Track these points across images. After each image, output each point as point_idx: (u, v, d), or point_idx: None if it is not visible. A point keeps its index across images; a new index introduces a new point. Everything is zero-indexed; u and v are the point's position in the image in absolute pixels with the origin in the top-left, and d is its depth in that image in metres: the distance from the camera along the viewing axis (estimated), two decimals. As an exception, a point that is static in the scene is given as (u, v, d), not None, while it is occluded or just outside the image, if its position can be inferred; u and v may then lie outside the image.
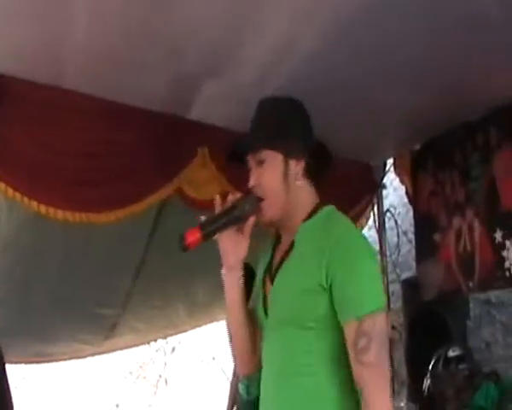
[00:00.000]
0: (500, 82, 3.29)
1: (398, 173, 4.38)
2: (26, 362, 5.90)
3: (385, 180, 4.54)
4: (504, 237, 3.54)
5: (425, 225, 4.15)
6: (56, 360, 5.83)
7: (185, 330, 5.75)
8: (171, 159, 3.47)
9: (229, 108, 3.41)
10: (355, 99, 3.41)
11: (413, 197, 4.30)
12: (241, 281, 2.06)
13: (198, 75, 3.17)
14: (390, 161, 4.44)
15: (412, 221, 4.39)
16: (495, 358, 4.51)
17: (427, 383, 3.68)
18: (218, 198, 2.04)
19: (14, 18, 2.69)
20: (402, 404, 4.52)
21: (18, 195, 3.12)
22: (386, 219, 4.56)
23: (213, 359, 8.76)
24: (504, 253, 3.54)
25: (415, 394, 4.23)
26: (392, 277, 4.62)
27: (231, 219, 1.99)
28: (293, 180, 1.99)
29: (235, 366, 2.25)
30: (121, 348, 5.98)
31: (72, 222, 3.30)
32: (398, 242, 4.53)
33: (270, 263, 2.08)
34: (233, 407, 4.21)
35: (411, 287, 4.44)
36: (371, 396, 1.79)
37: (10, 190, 3.10)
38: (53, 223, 3.29)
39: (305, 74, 3.11)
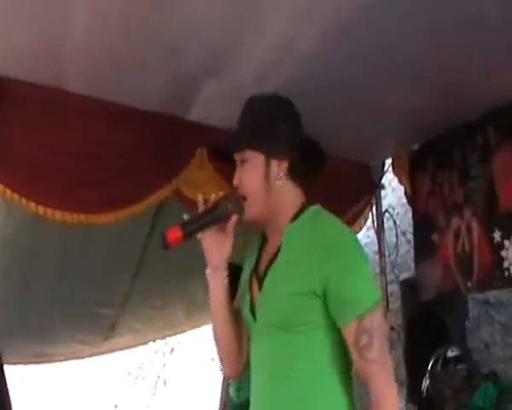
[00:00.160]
0: (499, 82, 3.29)
1: (396, 174, 4.38)
2: (25, 363, 5.89)
3: (383, 180, 4.54)
4: (503, 237, 3.54)
5: (424, 226, 4.15)
6: (55, 361, 5.82)
7: (184, 331, 5.75)
8: (171, 160, 3.47)
9: (229, 108, 3.38)
10: (354, 99, 3.40)
11: (412, 197, 4.29)
12: (226, 281, 2.05)
13: (198, 76, 3.17)
14: (388, 162, 4.44)
15: (411, 221, 4.39)
16: (494, 358, 4.51)
17: (425, 383, 3.68)
18: (200, 197, 2.03)
19: (14, 18, 2.68)
20: (401, 405, 4.52)
21: (16, 196, 3.11)
22: (385, 220, 4.56)
23: (212, 360, 8.74)
24: (503, 253, 3.53)
25: (413, 394, 4.23)
26: (390, 277, 4.62)
27: (213, 218, 1.98)
28: (275, 181, 1.98)
29: (222, 367, 2.22)
30: (120, 349, 5.97)
31: (70, 223, 3.30)
32: (396, 242, 4.52)
33: (257, 264, 2.07)
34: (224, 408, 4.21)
35: (410, 287, 4.44)
36: (381, 392, 1.81)
37: (9, 191, 3.09)
38: (51, 223, 3.28)
39: (305, 74, 3.11)
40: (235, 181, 2.03)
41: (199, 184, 3.57)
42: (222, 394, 4.22)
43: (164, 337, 6.57)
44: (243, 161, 2.00)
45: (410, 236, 4.51)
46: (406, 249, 4.73)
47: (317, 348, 1.88)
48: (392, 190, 5.18)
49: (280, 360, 1.91)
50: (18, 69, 3.03)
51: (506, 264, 3.52)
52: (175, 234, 1.93)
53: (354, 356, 1.83)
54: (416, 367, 4.06)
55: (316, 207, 2.03)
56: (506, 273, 3.52)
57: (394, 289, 4.83)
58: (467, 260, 3.78)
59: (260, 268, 2.04)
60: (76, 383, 9.93)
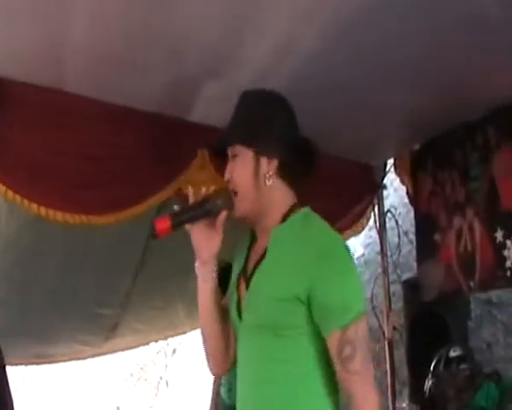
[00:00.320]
0: (500, 82, 3.28)
1: (398, 174, 4.38)
2: (26, 363, 5.90)
3: (385, 181, 4.54)
4: (505, 237, 3.53)
5: (426, 226, 4.14)
6: (56, 362, 5.83)
7: (185, 332, 5.74)
8: (171, 161, 3.47)
9: (230, 108, 3.39)
10: (355, 99, 3.40)
11: (413, 197, 4.29)
12: (215, 275, 2.04)
13: (198, 76, 3.17)
14: (390, 162, 4.44)
15: (413, 221, 4.38)
16: (496, 358, 4.51)
17: (428, 383, 3.68)
18: (190, 189, 2.03)
19: (14, 19, 2.68)
20: (404, 405, 4.52)
21: (18, 197, 3.12)
22: (387, 220, 4.56)
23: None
24: (505, 252, 3.53)
25: (416, 394, 4.23)
26: (392, 277, 4.61)
27: (203, 212, 1.98)
28: (264, 179, 1.95)
29: (208, 365, 2.20)
30: (121, 350, 5.98)
31: (71, 224, 3.30)
32: (398, 242, 4.52)
33: (246, 263, 2.05)
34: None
35: (412, 287, 4.44)
36: (362, 403, 1.79)
37: (10, 193, 3.10)
38: (53, 224, 3.29)
39: (306, 75, 3.11)
40: (226, 175, 2.01)
41: (200, 184, 3.56)
42: (213, 395, 4.20)
43: (166, 338, 6.57)
44: (234, 156, 1.99)
45: (412, 236, 4.50)
46: (408, 249, 4.73)
47: (303, 352, 1.85)
48: (394, 190, 5.18)
49: (265, 363, 1.88)
50: (18, 71, 3.03)
51: (508, 263, 3.51)
52: (164, 224, 1.92)
53: (337, 366, 1.80)
54: (419, 367, 4.06)
55: (306, 210, 2.00)
56: (508, 273, 3.51)
57: (396, 289, 4.83)
58: (469, 259, 3.77)
59: (249, 267, 2.02)
60: (78, 385, 9.94)
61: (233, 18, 2.74)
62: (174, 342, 8.58)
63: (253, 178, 1.95)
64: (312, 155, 2.04)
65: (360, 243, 5.79)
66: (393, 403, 4.35)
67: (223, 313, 2.08)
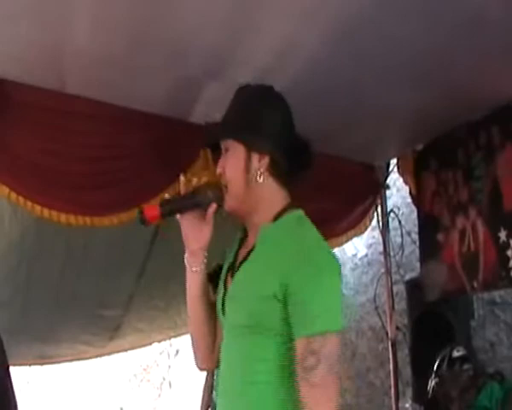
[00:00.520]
0: (503, 82, 3.28)
1: (401, 174, 4.37)
2: (30, 364, 5.92)
3: (388, 181, 4.54)
4: (508, 237, 3.52)
5: (429, 226, 4.14)
6: (60, 362, 5.85)
7: (188, 332, 5.75)
8: (174, 161, 3.47)
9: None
10: (358, 100, 3.40)
11: (417, 197, 4.29)
12: (203, 267, 2.01)
13: (200, 78, 3.17)
14: (393, 162, 4.44)
15: (416, 221, 4.38)
16: (499, 358, 4.50)
17: (431, 383, 3.68)
18: (182, 179, 2.01)
19: (17, 22, 2.69)
20: (407, 405, 4.51)
21: (21, 199, 3.13)
22: (390, 220, 4.56)
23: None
24: (509, 252, 3.52)
25: (419, 394, 4.22)
26: (395, 277, 4.61)
27: (192, 203, 1.96)
28: (255, 175, 1.91)
29: (195, 358, 2.17)
30: (124, 350, 5.99)
31: (75, 226, 3.31)
32: (401, 242, 4.51)
33: (235, 259, 2.02)
34: (207, 408, 4.19)
35: (415, 287, 4.43)
36: None
37: (14, 195, 3.11)
38: (56, 225, 3.29)
39: (308, 76, 3.11)
40: (219, 169, 1.98)
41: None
42: (204, 395, 4.18)
43: (169, 338, 6.58)
44: (226, 150, 1.96)
45: (415, 236, 4.50)
46: (411, 249, 4.72)
47: (285, 352, 1.78)
48: (397, 191, 5.18)
49: (247, 362, 1.85)
50: (22, 73, 3.04)
51: (511, 263, 3.51)
52: (152, 212, 1.91)
53: (298, 373, 1.72)
54: (422, 367, 4.05)
55: (298, 213, 1.95)
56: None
57: (399, 289, 4.83)
58: (472, 259, 3.77)
59: (237, 263, 1.99)
60: (82, 387, 9.95)
61: (234, 20, 2.74)
62: (177, 343, 8.58)
63: (244, 173, 1.92)
64: (307, 155, 1.98)
65: (363, 243, 5.79)
66: (397, 403, 4.34)
67: (211, 308, 2.06)
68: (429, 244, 4.14)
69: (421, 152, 4.21)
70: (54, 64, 3.01)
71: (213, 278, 2.13)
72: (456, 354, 3.67)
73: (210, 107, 3.41)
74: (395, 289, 4.57)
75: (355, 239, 4.77)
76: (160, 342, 6.72)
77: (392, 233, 4.59)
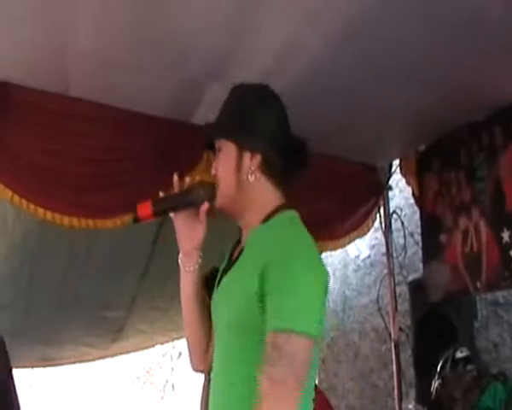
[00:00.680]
0: (505, 82, 3.28)
1: (404, 174, 4.37)
2: (33, 366, 5.93)
3: (391, 181, 4.54)
4: (511, 237, 3.52)
5: (431, 226, 4.14)
6: (63, 364, 5.86)
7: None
8: (177, 163, 3.47)
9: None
10: (360, 101, 3.40)
11: (419, 198, 4.29)
12: (197, 266, 1.99)
13: (202, 80, 3.18)
14: (396, 163, 4.44)
15: (418, 222, 4.38)
16: (502, 358, 4.49)
17: (434, 384, 3.67)
18: (175, 178, 1.99)
19: (21, 27, 2.70)
20: (410, 406, 4.51)
21: (24, 201, 3.14)
22: (393, 221, 4.55)
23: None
24: (512, 253, 3.53)
25: (423, 395, 4.22)
26: (398, 278, 4.61)
27: (184, 201, 1.95)
28: (247, 174, 1.87)
29: (190, 360, 2.15)
30: (127, 352, 6.00)
31: (78, 228, 3.31)
32: (404, 243, 4.51)
33: (229, 261, 1.99)
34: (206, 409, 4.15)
35: (418, 288, 4.43)
36: None
37: (17, 197, 3.11)
38: (59, 228, 3.29)
39: (310, 77, 3.11)
40: (213, 170, 1.96)
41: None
42: (203, 394, 4.14)
43: (171, 340, 6.58)
44: (219, 150, 1.94)
45: (417, 237, 4.50)
46: (414, 250, 4.72)
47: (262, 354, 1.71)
48: (400, 191, 5.18)
49: (228, 363, 1.83)
50: (25, 76, 3.05)
51: (515, 264, 3.51)
52: (145, 210, 1.91)
53: (262, 366, 1.67)
54: (425, 368, 4.05)
55: (290, 214, 1.90)
56: (514, 273, 3.51)
57: (402, 290, 4.83)
58: (475, 260, 3.77)
59: (229, 266, 1.97)
60: (85, 389, 9.95)
61: (236, 22, 2.75)
62: (180, 345, 8.58)
63: (235, 171, 1.88)
64: (303, 155, 1.93)
65: (366, 245, 5.78)
66: (400, 404, 4.34)
67: (205, 308, 2.03)
68: (432, 245, 4.13)
69: (424, 153, 4.21)
70: (57, 67, 3.02)
71: (210, 280, 2.12)
72: (459, 354, 3.66)
73: (212, 109, 3.39)
74: (398, 290, 4.57)
75: (358, 240, 4.77)
76: (162, 344, 6.73)
77: (394, 234, 4.59)
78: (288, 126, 1.96)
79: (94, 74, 3.09)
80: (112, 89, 3.20)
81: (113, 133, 3.34)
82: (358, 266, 5.97)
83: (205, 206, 1.93)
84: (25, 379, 8.65)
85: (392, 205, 4.70)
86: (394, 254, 4.54)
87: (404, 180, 4.47)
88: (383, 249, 4.70)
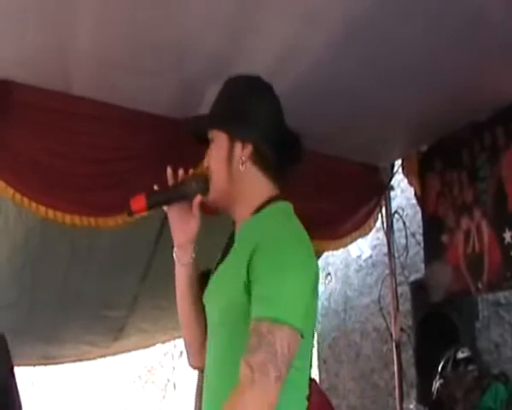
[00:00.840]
0: (506, 83, 3.28)
1: (406, 175, 4.36)
2: (34, 364, 5.93)
3: (393, 182, 4.54)
4: (513, 238, 3.53)
5: (433, 227, 4.14)
6: (64, 362, 5.86)
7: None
8: (180, 162, 3.46)
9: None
10: (362, 102, 3.41)
11: (421, 198, 4.29)
12: (192, 261, 1.98)
13: (204, 80, 3.17)
14: (398, 163, 4.44)
15: (420, 223, 4.38)
16: (504, 359, 4.49)
17: (436, 384, 3.67)
18: (169, 170, 1.98)
19: (23, 27, 2.71)
20: (411, 406, 4.51)
21: (26, 200, 3.14)
22: (395, 221, 4.56)
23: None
24: (513, 253, 3.52)
25: (424, 396, 4.22)
26: (400, 279, 4.61)
27: (178, 194, 1.94)
28: (238, 164, 1.85)
29: (187, 356, 2.14)
30: (129, 350, 6.00)
31: (79, 226, 3.31)
32: (406, 243, 4.51)
33: (221, 257, 1.96)
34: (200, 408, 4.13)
35: (420, 289, 4.43)
36: (235, 396, 1.59)
37: (18, 196, 3.11)
38: (61, 226, 3.30)
39: (312, 78, 3.11)
40: (205, 162, 1.95)
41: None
42: (197, 391, 4.12)
43: (173, 339, 6.58)
44: (212, 141, 1.92)
45: (419, 237, 4.49)
46: (416, 251, 4.72)
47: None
48: (402, 192, 5.18)
49: (217, 362, 1.81)
50: (28, 76, 3.05)
51: (516, 264, 3.51)
52: (138, 203, 1.91)
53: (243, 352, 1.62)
54: (427, 369, 4.05)
55: (283, 204, 1.87)
56: (516, 274, 3.51)
57: (404, 290, 4.83)
58: (477, 260, 3.76)
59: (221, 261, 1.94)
60: (86, 388, 9.96)
61: (237, 22, 2.75)
62: (181, 344, 8.58)
63: (227, 161, 1.86)
64: (296, 148, 1.91)
65: (368, 245, 5.78)
66: (401, 404, 4.34)
67: (200, 304, 1.99)
68: (434, 245, 4.13)
69: (426, 153, 4.21)
70: (59, 67, 3.03)
71: (207, 277, 2.10)
72: (460, 355, 3.66)
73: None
74: (399, 290, 4.57)
75: (359, 240, 4.78)
76: (164, 343, 6.73)
77: (396, 234, 4.59)
78: (281, 119, 1.94)
79: (95, 74, 3.09)
80: (113, 89, 3.20)
81: (115, 132, 3.34)
82: (360, 266, 5.97)
83: (198, 199, 1.91)
84: (26, 378, 8.66)
85: (394, 205, 4.70)
86: (396, 255, 4.54)
87: (406, 180, 4.47)
88: (385, 249, 4.70)
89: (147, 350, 7.07)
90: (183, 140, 3.46)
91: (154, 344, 6.33)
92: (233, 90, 1.95)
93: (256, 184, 1.87)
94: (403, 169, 4.38)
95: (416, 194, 4.37)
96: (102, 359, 6.25)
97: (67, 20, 2.68)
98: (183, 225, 1.95)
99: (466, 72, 3.15)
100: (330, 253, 5.68)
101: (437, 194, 4.09)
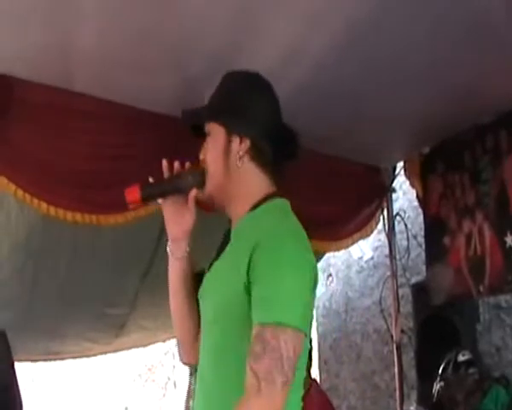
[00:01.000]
0: (509, 86, 3.28)
1: (408, 177, 4.36)
2: (35, 360, 5.93)
3: (394, 184, 4.54)
4: (515, 241, 3.53)
5: (435, 229, 4.13)
6: (65, 358, 5.86)
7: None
8: (182, 160, 3.47)
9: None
10: (364, 104, 3.41)
11: (423, 201, 4.28)
12: (186, 255, 1.95)
13: (205, 80, 3.17)
14: (400, 165, 4.44)
15: (422, 225, 4.38)
16: (505, 362, 4.49)
17: (436, 387, 3.67)
18: (165, 163, 1.95)
19: (25, 21, 2.71)
20: (412, 408, 4.51)
21: (28, 196, 3.14)
22: (396, 223, 4.55)
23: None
24: (515, 256, 3.52)
25: (424, 398, 4.22)
26: (401, 281, 4.61)
27: (173, 187, 1.92)
28: (235, 160, 1.82)
29: (179, 352, 2.12)
30: (129, 348, 6.00)
31: (81, 224, 3.31)
32: (407, 245, 4.50)
33: (216, 255, 1.92)
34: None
35: (421, 291, 4.43)
36: (243, 406, 1.58)
37: (20, 192, 3.12)
38: (63, 223, 3.30)
39: (314, 80, 3.12)
40: (201, 155, 1.92)
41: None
42: (189, 387, 4.10)
43: (174, 337, 6.60)
44: (208, 134, 1.89)
45: (421, 239, 4.49)
46: (417, 253, 4.72)
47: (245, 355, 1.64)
48: (404, 194, 5.18)
49: (211, 362, 1.78)
50: (31, 73, 3.05)
51: (517, 268, 3.51)
52: (133, 194, 1.87)
53: (247, 359, 1.61)
54: (427, 371, 4.05)
55: (281, 201, 1.85)
56: (518, 277, 3.51)
57: (405, 292, 4.83)
58: (478, 263, 3.76)
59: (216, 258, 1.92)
60: (87, 386, 9.97)
61: (240, 22, 2.75)
62: (182, 343, 8.58)
63: (224, 155, 1.83)
64: (293, 145, 1.88)
65: (369, 246, 5.78)
66: (401, 406, 4.34)
67: (193, 299, 1.96)
68: (435, 248, 4.13)
69: (428, 155, 4.21)
70: (62, 66, 3.03)
71: (202, 277, 2.09)
72: (461, 357, 3.67)
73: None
74: (401, 292, 4.57)
75: (361, 242, 4.77)
76: (164, 341, 6.73)
77: (398, 236, 4.59)
78: (279, 115, 1.92)
79: (97, 72, 3.09)
80: (115, 87, 3.20)
81: (117, 130, 3.34)
82: (361, 267, 5.97)
83: (193, 192, 1.89)
84: (27, 374, 8.67)
85: (396, 207, 4.71)
86: (397, 257, 4.53)
87: (408, 182, 4.47)
88: (386, 251, 4.70)
89: (147, 349, 7.07)
90: (184, 138, 3.46)
91: (155, 342, 6.32)
92: (232, 85, 1.93)
93: (253, 181, 1.85)
94: (405, 171, 4.38)
95: (417, 196, 4.37)
96: (103, 357, 6.25)
97: (70, 18, 2.69)
98: (177, 219, 1.92)
99: (469, 75, 3.16)
100: (332, 254, 5.68)
101: (439, 196, 4.09)
